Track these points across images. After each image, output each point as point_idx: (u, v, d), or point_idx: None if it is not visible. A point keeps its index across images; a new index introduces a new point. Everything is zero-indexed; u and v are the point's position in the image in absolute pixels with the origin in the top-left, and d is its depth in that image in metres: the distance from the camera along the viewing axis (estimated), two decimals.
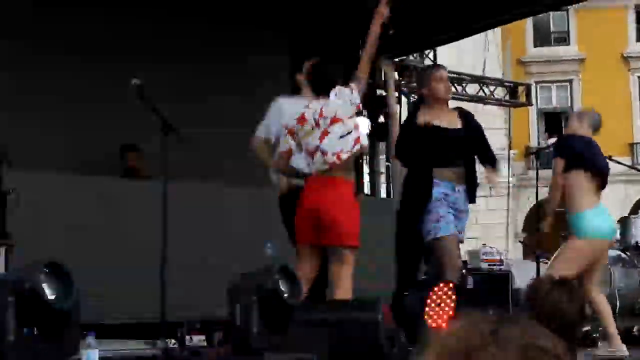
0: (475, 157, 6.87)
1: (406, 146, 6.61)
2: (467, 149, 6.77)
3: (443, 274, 6.39)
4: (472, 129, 6.82)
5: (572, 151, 7.10)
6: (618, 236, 7.26)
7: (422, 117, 6.66)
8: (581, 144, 7.20)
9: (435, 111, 6.70)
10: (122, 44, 9.82)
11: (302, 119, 5.91)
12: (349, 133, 5.82)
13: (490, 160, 6.85)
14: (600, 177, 7.22)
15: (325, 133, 5.83)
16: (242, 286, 5.04)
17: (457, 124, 6.74)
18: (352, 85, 5.95)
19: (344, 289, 5.77)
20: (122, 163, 9.32)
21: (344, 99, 5.85)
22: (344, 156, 5.80)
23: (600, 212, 7.16)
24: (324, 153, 5.78)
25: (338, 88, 5.92)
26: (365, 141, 5.90)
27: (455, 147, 6.65)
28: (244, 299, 4.92)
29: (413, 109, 7.10)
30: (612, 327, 7.11)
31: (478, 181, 6.88)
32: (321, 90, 5.96)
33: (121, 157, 9.32)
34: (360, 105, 5.99)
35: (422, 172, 6.54)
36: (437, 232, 6.46)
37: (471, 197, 6.84)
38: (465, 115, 6.88)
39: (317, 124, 5.85)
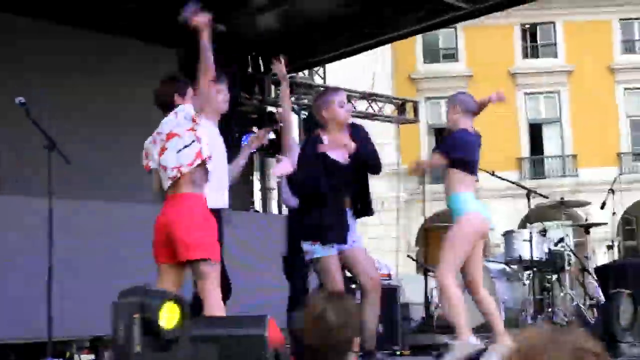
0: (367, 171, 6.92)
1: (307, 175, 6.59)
2: (359, 171, 6.80)
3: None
4: (361, 144, 6.83)
5: (455, 154, 7.11)
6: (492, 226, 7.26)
7: (322, 146, 6.67)
8: (462, 143, 7.22)
9: (333, 136, 6.71)
10: (8, 60, 9.66)
11: (152, 139, 5.98)
12: (186, 146, 5.83)
13: (372, 170, 6.93)
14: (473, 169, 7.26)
15: (163, 149, 5.86)
16: (125, 303, 5.00)
17: (351, 147, 6.76)
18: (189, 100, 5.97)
19: (208, 305, 5.75)
20: None
21: (180, 114, 5.87)
22: (185, 170, 5.80)
23: (475, 199, 7.18)
24: (164, 168, 5.82)
25: (179, 106, 5.94)
26: (207, 152, 5.87)
27: (346, 176, 6.69)
28: (126, 316, 4.88)
29: (309, 138, 7.07)
30: (499, 325, 7.18)
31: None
32: (161, 109, 6.00)
33: None
34: (195, 119, 5.93)
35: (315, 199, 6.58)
36: (314, 254, 6.51)
37: (367, 210, 6.90)
38: (355, 132, 6.87)
39: (155, 141, 5.90)
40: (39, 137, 6.60)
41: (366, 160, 6.76)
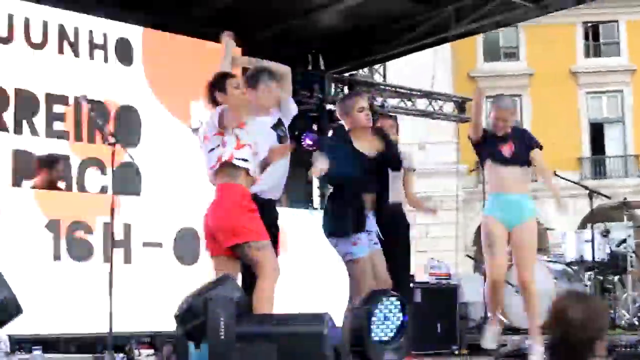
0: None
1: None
2: (383, 171, 6.90)
3: (358, 293, 6.48)
4: (389, 148, 6.95)
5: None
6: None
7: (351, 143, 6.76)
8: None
9: (358, 140, 6.80)
10: None
11: None
12: (212, 150, 5.96)
13: (394, 165, 7.02)
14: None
15: (202, 150, 6.08)
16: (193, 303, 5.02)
17: (378, 148, 6.83)
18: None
19: (257, 297, 5.77)
20: (42, 174, 9.04)
21: (210, 119, 6.02)
22: (209, 171, 6.01)
23: (501, 197, 7.30)
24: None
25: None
26: (226, 156, 5.94)
27: (372, 173, 6.77)
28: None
29: (339, 134, 7.16)
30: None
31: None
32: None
33: (39, 169, 9.01)
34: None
35: (351, 197, 6.64)
36: (354, 255, 6.55)
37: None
38: (383, 136, 6.97)
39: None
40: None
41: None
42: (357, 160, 6.70)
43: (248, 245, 5.79)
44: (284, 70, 6.75)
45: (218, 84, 6.15)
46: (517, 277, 7.36)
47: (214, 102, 6.12)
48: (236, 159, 5.91)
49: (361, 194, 6.68)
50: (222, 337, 4.74)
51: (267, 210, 6.28)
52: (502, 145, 7.40)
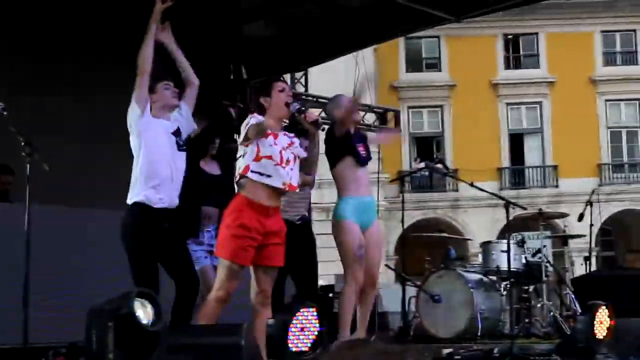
0: None
1: None
2: None
3: None
4: None
5: None
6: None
7: None
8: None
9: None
10: None
11: None
12: (238, 157, 6.04)
13: None
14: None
15: None
16: (99, 311, 5.02)
17: None
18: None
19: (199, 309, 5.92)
20: None
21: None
22: (237, 178, 6.03)
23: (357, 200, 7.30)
24: None
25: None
26: (240, 168, 6.00)
27: None
28: (99, 324, 4.90)
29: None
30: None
31: None
32: None
33: None
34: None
35: None
36: None
37: None
38: None
39: None
40: (17, 144, 6.58)
41: None
42: None
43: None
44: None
45: (263, 89, 6.19)
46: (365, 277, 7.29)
47: (260, 109, 6.12)
48: (252, 171, 5.95)
49: None
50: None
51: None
52: (360, 145, 7.38)
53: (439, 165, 10.25)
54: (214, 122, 7.59)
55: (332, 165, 7.25)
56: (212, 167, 7.63)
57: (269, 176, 5.92)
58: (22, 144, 6.55)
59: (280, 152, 5.95)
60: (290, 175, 5.99)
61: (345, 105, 7.23)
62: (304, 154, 6.25)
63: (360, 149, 7.30)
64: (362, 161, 7.27)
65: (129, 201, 6.27)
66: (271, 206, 5.97)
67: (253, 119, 5.95)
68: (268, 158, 5.92)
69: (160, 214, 6.21)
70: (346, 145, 7.19)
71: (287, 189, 5.99)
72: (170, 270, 6.29)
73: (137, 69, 6.24)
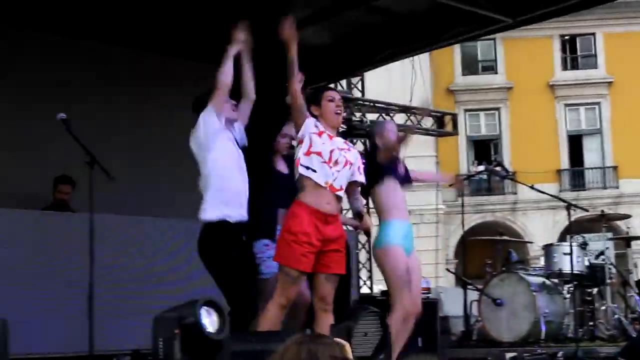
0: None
1: None
2: None
3: None
4: None
5: None
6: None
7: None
8: None
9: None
10: (51, 76, 9.77)
11: None
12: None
13: None
14: None
15: None
16: (165, 319, 5.06)
17: None
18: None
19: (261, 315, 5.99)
20: (54, 195, 9.19)
21: None
22: (296, 175, 6.11)
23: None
24: None
25: None
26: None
27: None
28: (166, 331, 4.94)
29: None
30: None
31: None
32: None
33: (54, 189, 9.20)
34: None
35: None
36: None
37: None
38: None
39: None
40: (80, 153, 6.66)
41: None
42: None
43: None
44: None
45: (313, 99, 6.23)
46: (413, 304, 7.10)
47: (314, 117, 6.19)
48: (301, 165, 6.00)
49: None
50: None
51: None
52: (399, 164, 7.28)
53: (498, 168, 10.18)
54: (275, 122, 7.57)
55: (371, 186, 6.95)
56: (281, 167, 7.60)
57: (314, 171, 5.94)
58: (85, 153, 6.64)
59: (331, 151, 5.98)
60: (335, 177, 5.98)
61: (394, 138, 7.14)
62: (360, 178, 6.21)
63: (401, 171, 7.23)
64: (403, 183, 7.19)
65: (206, 218, 6.22)
66: (329, 213, 5.96)
67: (308, 120, 6.02)
68: (317, 154, 5.95)
69: (238, 228, 6.25)
70: (388, 168, 7.06)
71: (327, 188, 5.95)
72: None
73: (216, 83, 6.27)
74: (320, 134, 6.00)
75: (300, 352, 2.40)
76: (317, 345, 2.41)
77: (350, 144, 6.30)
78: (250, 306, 6.06)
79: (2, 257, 7.55)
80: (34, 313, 7.48)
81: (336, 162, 5.97)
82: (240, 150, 6.43)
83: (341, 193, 6.05)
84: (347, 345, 2.62)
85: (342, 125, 13.76)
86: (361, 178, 6.19)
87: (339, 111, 6.23)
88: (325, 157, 5.95)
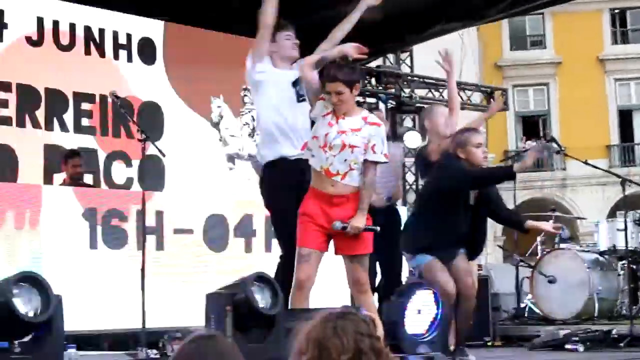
0: None
1: None
2: None
3: None
4: None
5: None
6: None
7: None
8: None
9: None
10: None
11: None
12: None
13: None
14: None
15: None
16: (218, 295, 5.06)
17: None
18: None
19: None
20: (67, 169, 9.10)
21: None
22: None
23: None
24: None
25: None
26: None
27: None
28: (218, 308, 4.94)
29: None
30: None
31: None
32: None
33: (64, 165, 9.17)
34: None
35: None
36: None
37: None
38: None
39: None
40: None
41: None
42: None
43: None
44: None
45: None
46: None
47: None
48: (307, 148, 5.96)
49: None
50: None
51: None
52: None
53: (552, 144, 10.03)
54: None
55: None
56: None
57: (313, 155, 5.85)
58: (137, 130, 6.66)
59: (326, 135, 5.81)
60: (331, 162, 5.78)
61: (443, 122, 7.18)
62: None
63: None
64: None
65: (262, 160, 6.20)
66: (335, 194, 5.81)
67: (318, 102, 5.95)
68: (315, 138, 5.85)
69: (296, 164, 6.13)
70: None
71: (323, 172, 5.80)
72: None
73: (258, 23, 6.22)
74: (325, 115, 5.87)
75: (326, 328, 2.38)
76: (343, 321, 2.39)
77: (368, 123, 5.91)
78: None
79: (59, 235, 7.60)
80: (88, 290, 7.53)
81: (331, 147, 5.79)
82: (295, 88, 6.28)
83: (338, 178, 5.78)
84: (377, 321, 2.59)
85: (390, 102, 13.70)
86: (374, 157, 5.84)
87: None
88: (321, 142, 5.81)
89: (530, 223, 7.33)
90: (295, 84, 6.26)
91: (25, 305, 4.55)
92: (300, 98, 6.24)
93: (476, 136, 6.88)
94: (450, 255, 6.70)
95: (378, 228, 5.81)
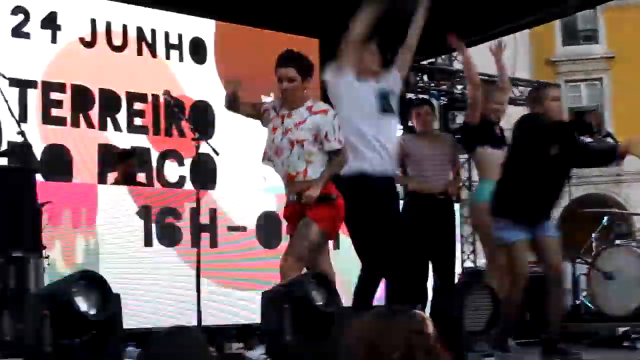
0: None
1: None
2: None
3: None
4: None
5: None
6: None
7: None
8: None
9: None
10: None
11: None
12: None
13: None
14: None
15: None
16: (275, 293, 5.05)
17: None
18: None
19: None
20: (120, 168, 9.22)
21: None
22: None
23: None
24: None
25: None
26: None
27: None
28: (276, 306, 4.92)
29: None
30: None
31: None
32: None
33: (118, 164, 9.26)
34: None
35: None
36: None
37: None
38: None
39: None
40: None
41: None
42: None
43: None
44: None
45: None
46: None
47: None
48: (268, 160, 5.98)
49: None
50: None
51: None
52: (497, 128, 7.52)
53: (608, 139, 9.91)
54: None
55: (471, 149, 7.57)
56: None
57: (274, 166, 5.83)
58: (190, 129, 6.67)
59: (273, 141, 5.77)
60: (288, 164, 5.73)
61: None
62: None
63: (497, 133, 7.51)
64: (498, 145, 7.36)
65: (344, 172, 6.02)
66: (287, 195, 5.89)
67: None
68: (268, 148, 5.84)
69: (378, 181, 6.11)
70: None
71: (287, 178, 5.78)
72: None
73: (348, 35, 6.16)
74: (272, 119, 5.86)
75: (377, 325, 2.41)
76: (394, 319, 2.42)
77: (312, 112, 5.77)
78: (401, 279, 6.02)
79: (115, 233, 7.68)
80: (146, 288, 7.60)
81: (282, 150, 5.73)
82: (381, 101, 6.26)
83: (300, 177, 5.69)
84: (427, 320, 2.55)
85: (442, 98, 13.63)
86: (329, 146, 5.70)
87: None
88: (273, 150, 5.78)
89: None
90: (381, 96, 6.26)
91: (86, 303, 4.56)
92: (384, 110, 6.23)
93: (553, 90, 6.82)
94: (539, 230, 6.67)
95: (335, 195, 5.68)
